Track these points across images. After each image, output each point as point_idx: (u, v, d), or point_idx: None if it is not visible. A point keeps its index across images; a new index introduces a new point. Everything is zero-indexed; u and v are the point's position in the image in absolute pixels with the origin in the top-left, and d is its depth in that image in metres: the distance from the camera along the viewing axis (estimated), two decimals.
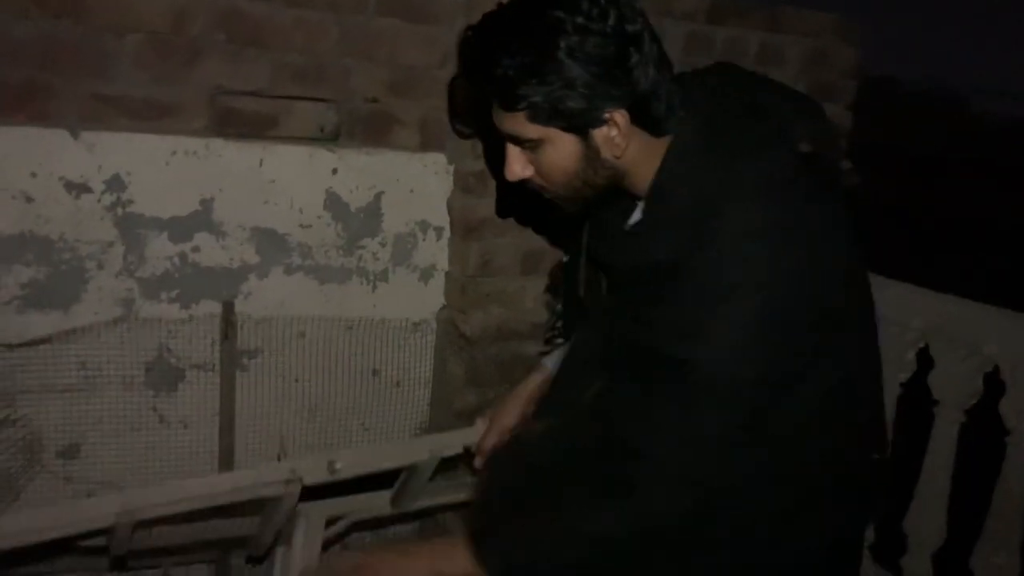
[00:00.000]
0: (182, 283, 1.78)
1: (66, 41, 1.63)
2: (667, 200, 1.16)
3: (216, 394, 1.83)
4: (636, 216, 1.24)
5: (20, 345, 1.67)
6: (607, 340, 1.30)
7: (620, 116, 1.11)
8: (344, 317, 1.95)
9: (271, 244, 1.85)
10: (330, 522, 1.63)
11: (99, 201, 1.69)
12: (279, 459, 1.91)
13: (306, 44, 1.79)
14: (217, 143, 1.76)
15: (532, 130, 1.14)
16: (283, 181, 1.84)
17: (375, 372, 2.02)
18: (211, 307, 1.81)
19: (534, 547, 1.19)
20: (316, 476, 1.47)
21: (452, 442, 1.60)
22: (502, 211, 1.96)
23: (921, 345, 1.93)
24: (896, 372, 1.94)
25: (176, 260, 1.77)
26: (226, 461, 1.85)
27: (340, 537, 1.76)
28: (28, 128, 1.62)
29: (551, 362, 1.55)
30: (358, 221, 1.93)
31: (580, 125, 1.12)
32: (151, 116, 1.71)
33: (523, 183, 1.22)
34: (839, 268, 1.15)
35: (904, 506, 1.97)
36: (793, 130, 1.17)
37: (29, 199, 1.64)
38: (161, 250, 1.75)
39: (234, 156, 1.78)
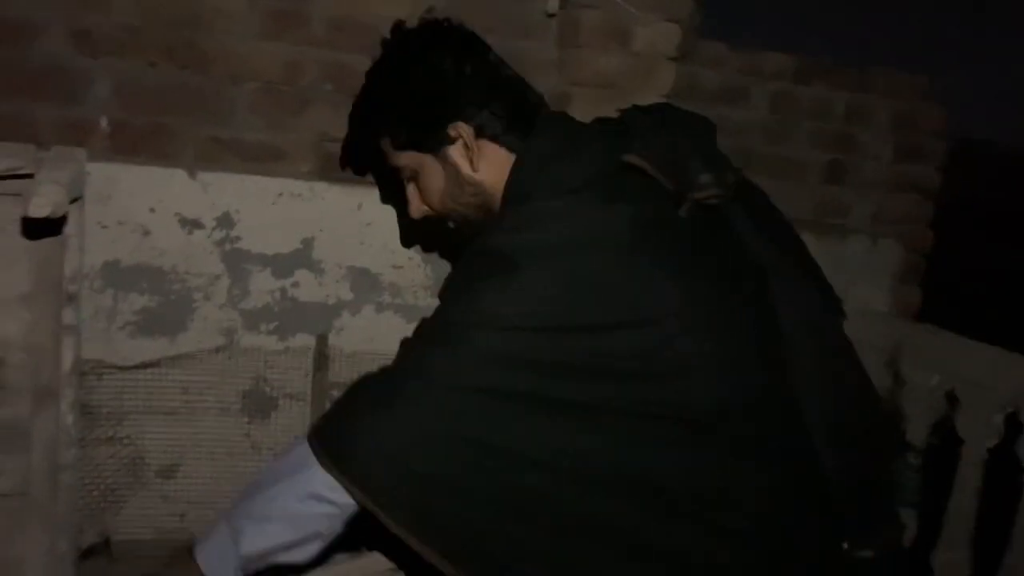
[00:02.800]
0: (281, 316, 1.88)
1: (188, 89, 1.77)
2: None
3: (306, 424, 1.92)
4: None
5: (130, 368, 1.79)
6: None
7: (464, 129, 1.29)
8: None
9: (364, 283, 1.94)
10: None
11: (209, 236, 1.81)
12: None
13: None
14: (320, 186, 1.87)
15: (402, 158, 1.37)
16: (378, 224, 1.93)
17: None
18: (306, 340, 1.90)
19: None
20: None
21: None
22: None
23: (1010, 410, 1.89)
24: (983, 437, 1.90)
25: (277, 294, 1.87)
26: None
27: None
28: (150, 168, 1.76)
29: None
30: (445, 264, 2.01)
31: (432, 144, 1.32)
32: (261, 159, 1.83)
33: (428, 220, 1.43)
34: (637, 276, 1.12)
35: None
36: (632, 145, 1.22)
37: (147, 232, 1.77)
38: (264, 284, 1.86)
39: (335, 199, 1.88)
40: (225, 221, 1.82)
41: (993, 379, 1.90)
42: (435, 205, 1.38)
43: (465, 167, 1.31)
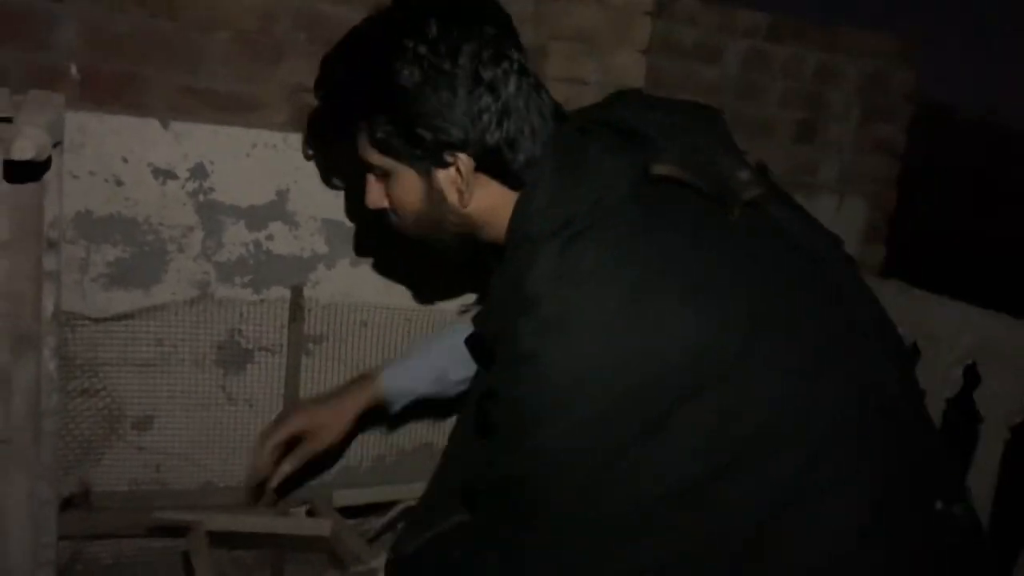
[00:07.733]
0: (255, 269, 1.88)
1: (160, 36, 1.73)
2: (505, 262, 1.07)
3: (282, 376, 1.92)
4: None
5: (104, 319, 1.77)
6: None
7: (463, 162, 1.07)
8: (404, 308, 2.03)
9: (340, 235, 1.94)
10: None
11: (183, 188, 1.79)
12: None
13: None
14: (294, 137, 1.85)
15: (375, 158, 1.13)
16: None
17: None
18: (281, 293, 1.90)
19: None
20: None
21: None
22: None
23: (968, 362, 1.96)
24: (942, 389, 1.96)
25: (251, 246, 1.87)
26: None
27: None
28: (122, 116, 1.73)
29: (391, 380, 1.65)
30: None
31: (419, 162, 1.09)
32: (235, 110, 1.81)
33: (384, 216, 1.22)
34: (702, 292, 0.97)
35: None
36: (658, 153, 1.04)
37: (119, 183, 1.75)
38: (237, 236, 1.85)
39: None
40: (199, 172, 1.80)
41: (953, 332, 1.97)
42: (405, 215, 1.17)
43: (454, 198, 1.09)
